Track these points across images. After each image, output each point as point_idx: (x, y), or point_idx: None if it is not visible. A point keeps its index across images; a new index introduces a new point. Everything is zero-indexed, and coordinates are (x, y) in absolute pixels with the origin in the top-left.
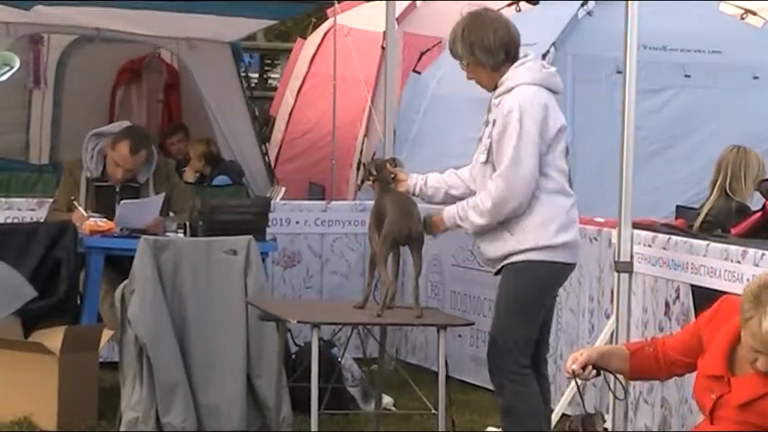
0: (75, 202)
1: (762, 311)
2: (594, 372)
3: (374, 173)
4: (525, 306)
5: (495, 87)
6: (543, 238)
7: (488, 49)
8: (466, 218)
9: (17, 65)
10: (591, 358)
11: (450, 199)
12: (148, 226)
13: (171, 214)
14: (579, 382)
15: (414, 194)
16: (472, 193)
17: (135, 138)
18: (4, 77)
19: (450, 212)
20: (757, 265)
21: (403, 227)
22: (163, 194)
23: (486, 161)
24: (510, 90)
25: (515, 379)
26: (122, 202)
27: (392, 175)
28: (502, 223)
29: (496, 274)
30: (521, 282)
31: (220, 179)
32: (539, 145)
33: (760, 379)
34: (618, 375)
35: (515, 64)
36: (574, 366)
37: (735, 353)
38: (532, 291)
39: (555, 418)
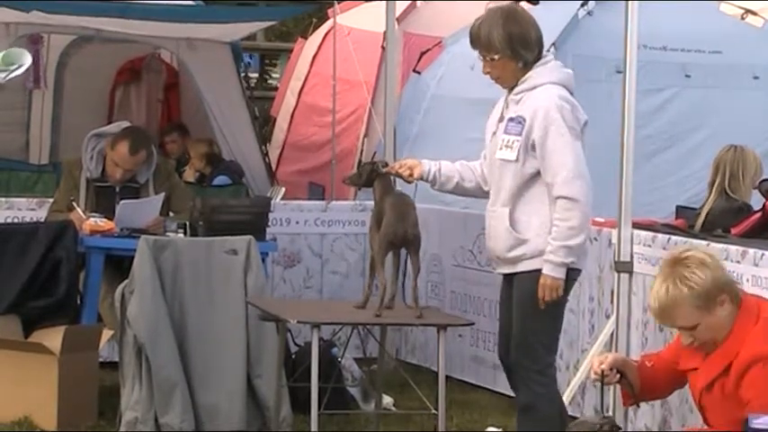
0: (74, 203)
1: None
2: (618, 375)
3: (380, 170)
4: (547, 308)
5: (513, 85)
6: None
7: (528, 44)
8: (568, 256)
9: (28, 62)
10: (617, 361)
11: (461, 190)
12: (148, 226)
13: (171, 214)
14: (593, 384)
15: (427, 180)
16: (482, 189)
17: (134, 138)
18: (15, 74)
19: (557, 269)
20: (757, 265)
21: (398, 229)
22: (162, 194)
23: (516, 160)
24: (534, 88)
25: (538, 379)
26: (122, 202)
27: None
28: (514, 225)
29: (503, 274)
30: (538, 288)
31: (220, 179)
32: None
33: (717, 358)
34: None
35: (539, 62)
36: (603, 366)
37: None
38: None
39: None
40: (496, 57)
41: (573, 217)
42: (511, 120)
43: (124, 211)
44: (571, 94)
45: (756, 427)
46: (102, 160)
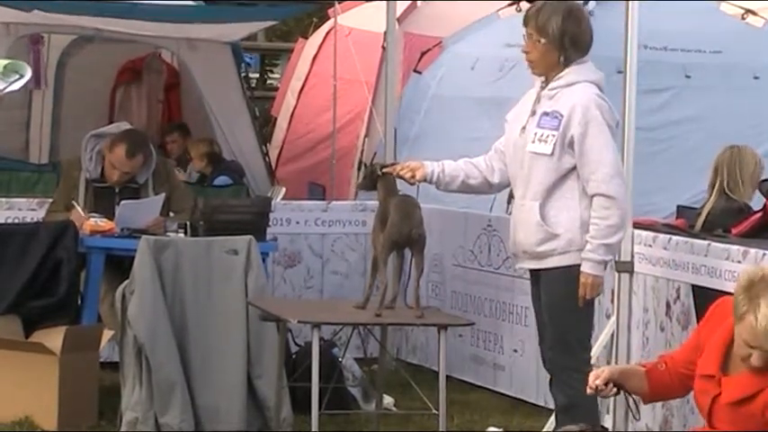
0: (75, 202)
1: (755, 305)
2: (615, 389)
3: (379, 172)
4: (579, 305)
5: (546, 77)
6: (585, 239)
7: (579, 45)
8: (608, 253)
9: (28, 74)
10: (613, 375)
11: (466, 188)
12: (149, 226)
13: (171, 214)
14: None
15: (430, 182)
16: (489, 183)
17: (132, 141)
18: (16, 86)
19: (589, 268)
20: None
21: (403, 229)
22: (163, 195)
23: (551, 154)
24: (570, 85)
25: (578, 377)
26: (122, 202)
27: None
28: (543, 220)
29: (525, 269)
30: (568, 285)
31: (221, 179)
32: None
33: (751, 378)
34: (633, 397)
35: (576, 62)
36: (597, 382)
37: (729, 353)
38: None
39: (550, 427)
40: (543, 41)
41: (612, 215)
42: (545, 114)
43: (124, 212)
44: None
45: None
46: (102, 161)
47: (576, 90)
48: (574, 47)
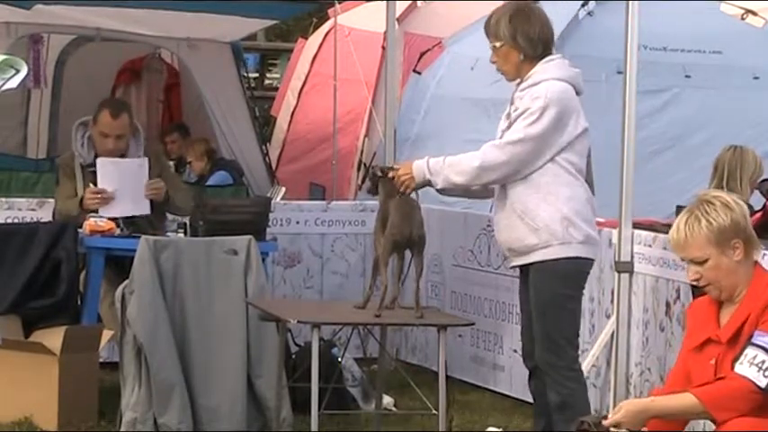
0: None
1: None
2: None
3: (379, 174)
4: (565, 303)
5: (519, 80)
6: (566, 233)
7: (531, 38)
8: (439, 173)
9: (25, 70)
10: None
11: (469, 193)
12: (149, 189)
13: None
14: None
15: (431, 185)
16: (488, 189)
17: (112, 104)
18: (14, 82)
19: (420, 167)
20: None
21: (404, 230)
22: (146, 159)
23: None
24: (537, 84)
25: (569, 375)
26: (99, 159)
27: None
28: (523, 215)
29: (515, 267)
30: (554, 282)
31: (219, 175)
32: (549, 143)
33: (737, 314)
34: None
35: (544, 60)
36: None
37: (719, 318)
38: (567, 288)
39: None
40: (498, 44)
41: (472, 166)
42: (512, 116)
43: (105, 170)
44: (578, 93)
45: (757, 342)
46: (93, 145)
47: (541, 87)
48: (527, 42)
